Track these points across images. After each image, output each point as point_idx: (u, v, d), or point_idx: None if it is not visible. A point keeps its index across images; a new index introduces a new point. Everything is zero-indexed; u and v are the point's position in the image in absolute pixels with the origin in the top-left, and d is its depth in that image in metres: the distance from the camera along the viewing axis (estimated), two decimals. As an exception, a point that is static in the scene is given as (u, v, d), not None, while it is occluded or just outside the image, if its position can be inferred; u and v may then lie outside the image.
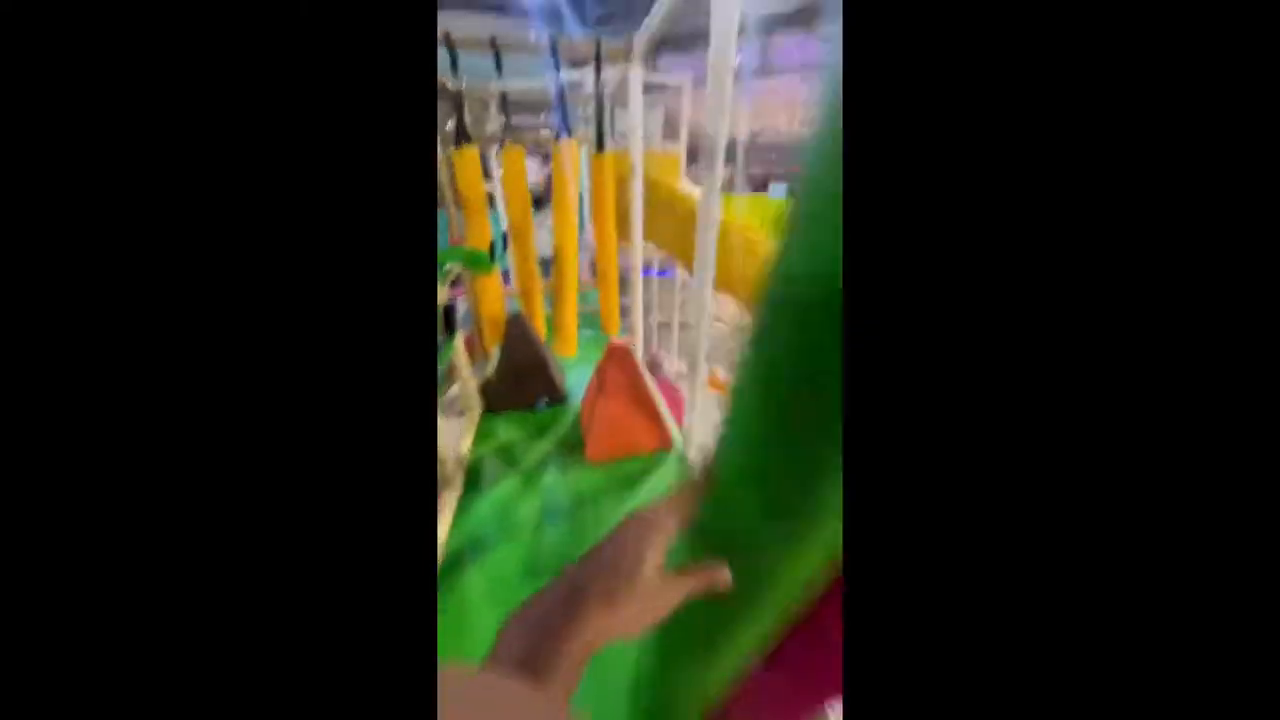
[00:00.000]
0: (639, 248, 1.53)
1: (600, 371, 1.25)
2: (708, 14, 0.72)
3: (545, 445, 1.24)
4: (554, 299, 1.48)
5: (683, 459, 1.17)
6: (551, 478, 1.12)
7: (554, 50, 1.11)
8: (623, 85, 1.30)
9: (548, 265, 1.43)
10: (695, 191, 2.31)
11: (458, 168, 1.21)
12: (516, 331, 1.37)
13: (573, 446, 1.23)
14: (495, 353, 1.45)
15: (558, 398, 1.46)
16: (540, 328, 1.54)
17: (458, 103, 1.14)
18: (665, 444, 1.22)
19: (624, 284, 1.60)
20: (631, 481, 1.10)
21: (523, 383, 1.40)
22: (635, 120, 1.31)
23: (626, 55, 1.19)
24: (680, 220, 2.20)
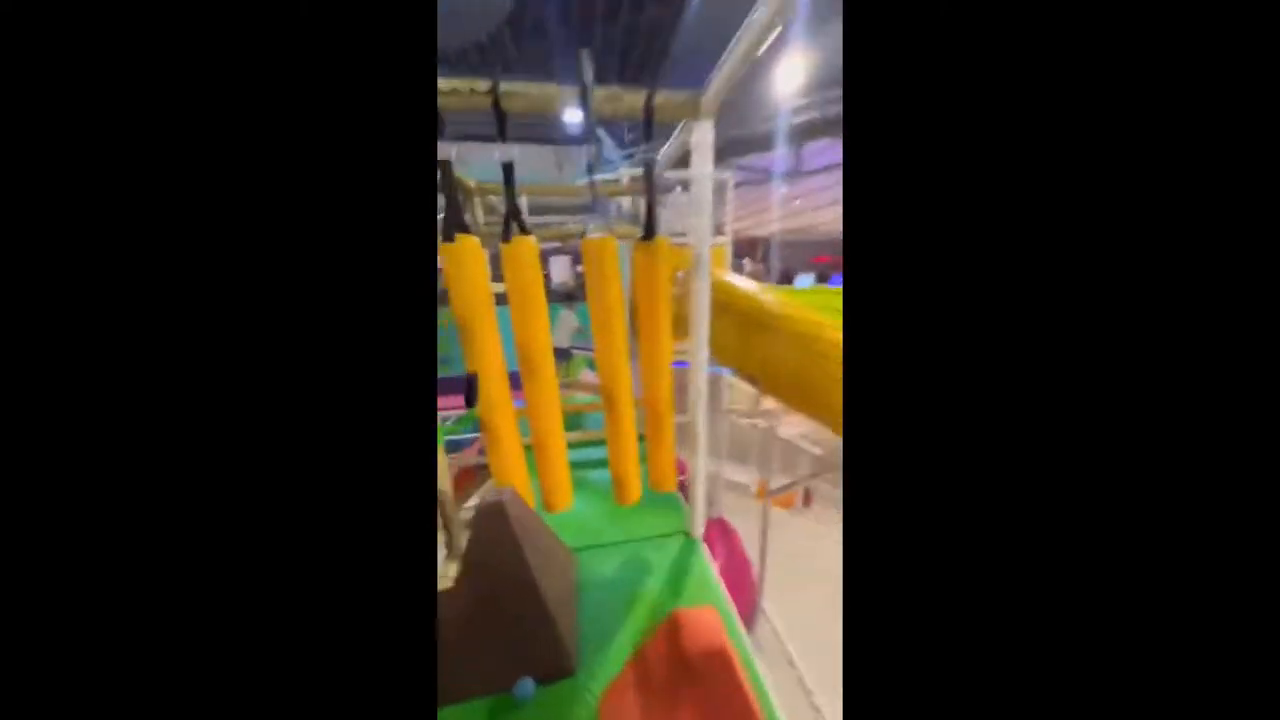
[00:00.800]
0: (702, 359, 1.02)
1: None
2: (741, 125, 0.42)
3: None
4: (611, 434, 0.95)
5: None
6: None
7: (585, 99, 0.75)
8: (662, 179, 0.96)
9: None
10: (749, 285, 1.89)
11: (452, 261, 0.79)
12: (490, 535, 0.69)
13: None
14: (454, 573, 0.74)
15: (558, 671, 0.68)
16: (558, 495, 0.98)
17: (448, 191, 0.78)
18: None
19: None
20: None
21: (492, 639, 0.69)
22: (704, 191, 0.90)
23: (694, 111, 0.82)
24: (741, 319, 1.74)
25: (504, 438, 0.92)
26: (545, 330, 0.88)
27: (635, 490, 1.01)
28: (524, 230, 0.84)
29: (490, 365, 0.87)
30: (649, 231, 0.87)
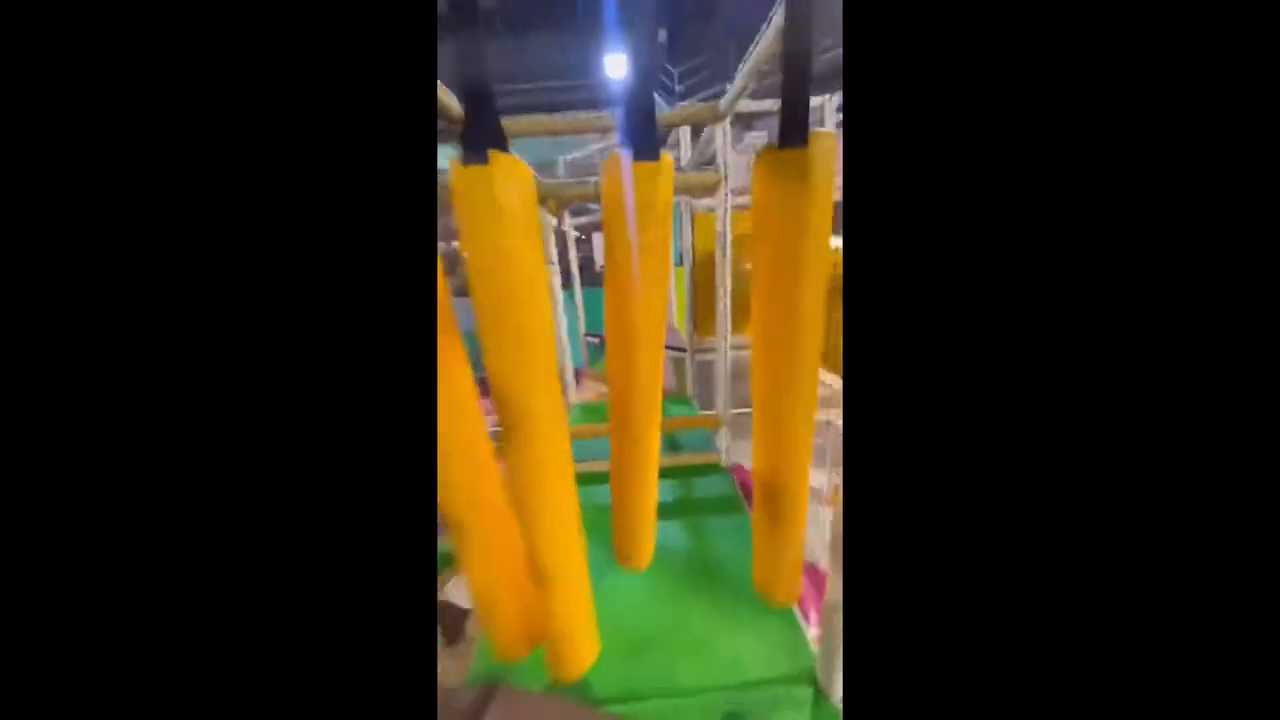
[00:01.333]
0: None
1: None
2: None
3: None
4: (619, 461, 0.54)
5: None
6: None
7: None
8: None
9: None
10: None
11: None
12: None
13: None
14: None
15: None
16: (574, 656, 0.54)
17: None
18: None
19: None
20: None
21: None
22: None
23: None
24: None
25: (480, 541, 0.48)
26: (546, 352, 0.42)
27: (644, 553, 0.62)
28: (502, 144, 0.39)
29: (456, 422, 0.44)
30: (793, 131, 0.37)
